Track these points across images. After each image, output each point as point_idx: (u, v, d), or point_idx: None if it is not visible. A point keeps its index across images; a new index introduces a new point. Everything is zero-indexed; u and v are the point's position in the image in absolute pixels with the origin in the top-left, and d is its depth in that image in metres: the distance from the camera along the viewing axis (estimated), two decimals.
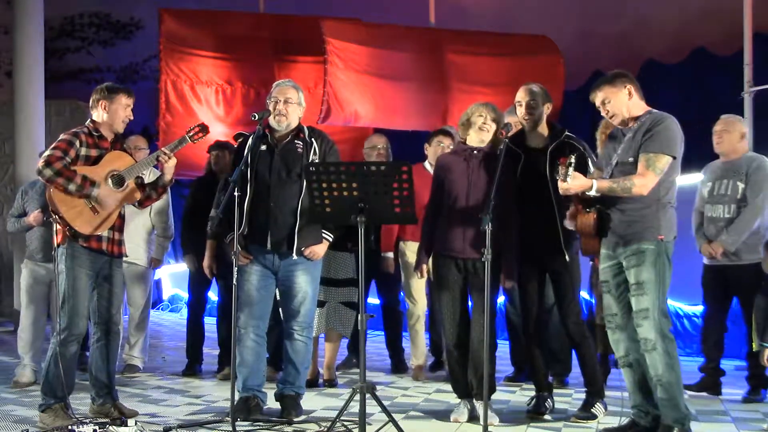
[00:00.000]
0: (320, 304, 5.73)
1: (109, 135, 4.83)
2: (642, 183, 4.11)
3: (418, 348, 6.32)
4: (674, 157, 4.17)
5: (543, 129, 4.91)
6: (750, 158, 5.54)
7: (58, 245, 4.69)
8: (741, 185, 5.43)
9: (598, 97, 4.32)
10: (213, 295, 7.54)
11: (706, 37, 9.60)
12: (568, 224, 4.49)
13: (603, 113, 4.36)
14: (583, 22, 10.84)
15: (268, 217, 4.79)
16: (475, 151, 4.81)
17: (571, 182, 4.11)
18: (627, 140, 4.25)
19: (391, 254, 6.29)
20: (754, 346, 5.06)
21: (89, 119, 4.84)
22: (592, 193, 4.17)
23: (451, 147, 6.15)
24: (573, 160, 4.12)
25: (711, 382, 5.57)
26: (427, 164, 6.24)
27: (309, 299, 4.89)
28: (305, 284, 4.86)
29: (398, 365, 6.59)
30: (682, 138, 4.23)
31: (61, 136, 4.74)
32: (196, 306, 6.69)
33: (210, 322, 7.13)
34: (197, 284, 6.60)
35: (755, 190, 5.40)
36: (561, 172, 4.11)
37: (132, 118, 4.87)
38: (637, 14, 10.45)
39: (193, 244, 6.46)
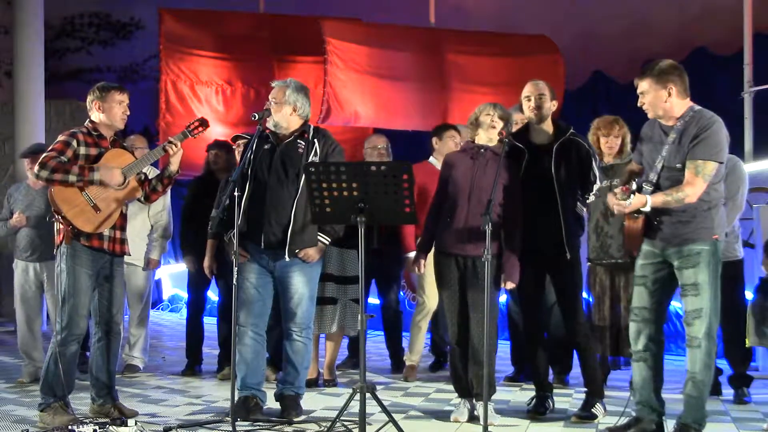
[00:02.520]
0: (333, 301, 5.74)
1: (109, 134, 4.84)
2: (693, 192, 4.12)
3: (415, 346, 6.22)
4: (721, 163, 4.18)
5: (548, 126, 4.89)
6: (728, 158, 5.55)
7: (60, 244, 4.70)
8: None
9: (639, 86, 4.29)
10: (213, 295, 7.55)
11: (706, 37, 9.61)
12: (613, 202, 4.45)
13: (639, 103, 4.33)
14: (583, 23, 10.84)
15: (263, 217, 4.78)
16: (482, 150, 4.81)
17: (630, 204, 4.12)
18: (672, 143, 4.21)
19: (413, 254, 6.14)
20: (748, 341, 5.06)
21: (88, 119, 4.85)
22: (647, 209, 4.17)
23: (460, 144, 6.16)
24: (635, 187, 4.15)
25: None
26: (433, 159, 6.21)
27: (306, 300, 4.88)
28: (301, 285, 4.85)
29: (398, 365, 6.58)
30: (728, 139, 4.23)
31: (58, 138, 4.75)
32: (196, 306, 6.69)
33: (210, 322, 7.13)
34: (196, 284, 6.61)
35: (733, 188, 5.40)
36: (620, 195, 4.12)
37: (129, 113, 4.87)
38: (637, 14, 10.45)
39: (192, 245, 6.46)
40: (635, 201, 4.14)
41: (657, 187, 4.23)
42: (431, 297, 6.15)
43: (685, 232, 4.20)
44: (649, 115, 4.32)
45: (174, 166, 4.90)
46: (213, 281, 6.49)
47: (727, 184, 5.40)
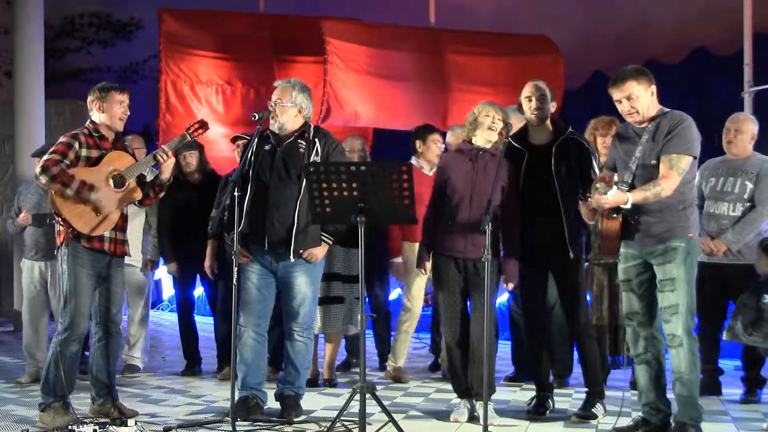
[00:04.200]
0: (340, 300, 5.74)
1: (110, 135, 4.84)
2: (668, 185, 4.14)
3: (400, 351, 6.18)
4: (695, 157, 4.20)
5: (547, 126, 4.89)
6: (762, 160, 5.49)
7: (61, 245, 4.70)
8: (749, 185, 5.38)
9: (622, 92, 4.23)
10: (201, 290, 7.52)
11: (706, 37, 9.63)
12: (585, 215, 4.45)
13: (621, 109, 4.29)
14: (583, 23, 10.85)
15: (266, 218, 4.78)
16: (481, 152, 4.80)
17: (611, 198, 4.10)
18: (646, 142, 4.23)
19: (399, 259, 6.07)
20: (726, 335, 5.03)
21: (89, 120, 4.85)
22: (627, 206, 4.16)
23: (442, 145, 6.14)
24: (617, 179, 4.15)
25: (709, 383, 5.55)
26: (414, 161, 6.15)
27: (309, 300, 4.88)
28: (304, 286, 4.85)
29: (385, 366, 6.52)
30: (700, 138, 4.25)
31: (60, 139, 4.74)
32: (184, 306, 6.68)
33: (203, 321, 7.11)
34: (181, 285, 6.63)
35: (765, 192, 5.37)
36: (601, 187, 4.09)
37: (129, 113, 4.87)
38: (637, 14, 10.46)
39: (172, 248, 6.44)
40: (616, 197, 4.12)
41: (632, 188, 4.23)
42: (417, 302, 6.14)
43: (661, 231, 4.22)
44: (634, 119, 4.29)
45: (165, 174, 4.88)
46: (197, 279, 6.49)
47: (760, 187, 5.36)
